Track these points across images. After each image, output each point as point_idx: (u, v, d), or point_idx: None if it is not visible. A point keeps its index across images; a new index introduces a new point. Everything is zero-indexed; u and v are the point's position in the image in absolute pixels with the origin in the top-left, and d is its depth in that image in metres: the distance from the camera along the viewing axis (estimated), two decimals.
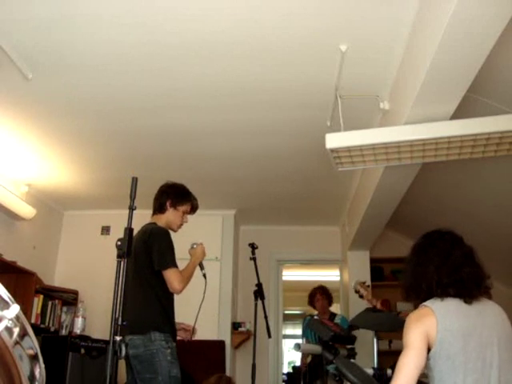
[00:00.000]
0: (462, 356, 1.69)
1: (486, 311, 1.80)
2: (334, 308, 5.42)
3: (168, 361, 2.63)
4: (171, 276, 2.72)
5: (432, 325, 1.72)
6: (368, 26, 2.58)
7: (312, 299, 5.09)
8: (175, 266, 2.76)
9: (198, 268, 3.01)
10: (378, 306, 3.25)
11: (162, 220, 2.97)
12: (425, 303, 1.81)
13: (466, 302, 1.79)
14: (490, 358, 1.69)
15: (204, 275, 3.05)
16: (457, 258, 1.85)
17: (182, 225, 3.05)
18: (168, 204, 2.99)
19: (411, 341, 1.72)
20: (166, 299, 2.80)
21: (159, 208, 3.01)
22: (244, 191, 5.17)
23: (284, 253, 6.08)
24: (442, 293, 1.80)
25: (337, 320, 4.87)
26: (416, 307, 1.86)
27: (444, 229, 1.98)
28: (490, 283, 1.87)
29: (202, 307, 3.17)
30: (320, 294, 5.03)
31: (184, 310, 3.04)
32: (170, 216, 2.99)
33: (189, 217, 3.10)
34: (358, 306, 4.44)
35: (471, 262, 1.86)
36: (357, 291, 3.60)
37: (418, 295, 1.87)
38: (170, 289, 2.74)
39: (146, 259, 2.77)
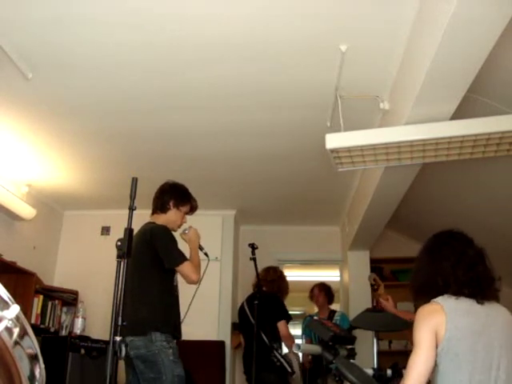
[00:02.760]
0: (470, 355, 1.69)
1: (495, 313, 1.80)
2: (334, 308, 5.42)
3: (171, 360, 2.63)
4: (187, 269, 2.76)
5: (441, 322, 1.72)
6: (368, 26, 2.58)
7: (310, 294, 5.13)
8: (186, 258, 2.80)
9: None
10: (391, 304, 3.18)
11: (162, 219, 2.97)
12: (435, 299, 1.80)
13: (478, 302, 1.78)
14: (498, 360, 1.69)
15: (205, 254, 3.06)
16: (471, 257, 1.86)
17: (181, 225, 3.05)
18: (171, 204, 2.99)
19: (421, 340, 1.72)
20: (168, 298, 2.81)
21: (161, 207, 3.00)
22: (244, 191, 5.17)
23: (284, 253, 6.08)
24: (457, 291, 1.80)
25: (336, 317, 4.87)
26: (417, 308, 1.86)
27: (455, 229, 1.99)
28: (499, 285, 1.87)
29: (201, 308, 3.18)
30: (318, 290, 5.05)
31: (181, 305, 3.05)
32: (171, 216, 2.99)
33: (189, 217, 3.11)
34: (358, 306, 4.45)
35: (484, 262, 1.87)
36: (372, 284, 3.60)
37: (431, 291, 1.86)
38: (187, 282, 2.78)
39: (148, 259, 2.78)
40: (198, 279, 2.79)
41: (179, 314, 2.88)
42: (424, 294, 1.91)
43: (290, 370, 3.71)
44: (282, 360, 3.71)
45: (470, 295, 1.79)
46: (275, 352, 3.74)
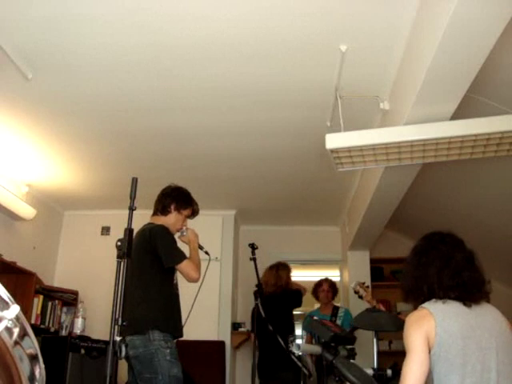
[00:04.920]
0: (461, 358, 1.68)
1: (485, 314, 1.80)
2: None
3: (167, 360, 2.63)
4: (186, 268, 2.78)
5: (431, 327, 1.72)
6: (368, 26, 2.58)
7: (317, 289, 4.98)
8: (185, 257, 2.82)
9: None
10: (379, 307, 3.25)
11: (161, 221, 2.98)
12: (423, 305, 1.81)
13: (465, 304, 1.78)
14: (489, 362, 1.69)
15: (206, 252, 3.08)
16: (458, 262, 1.84)
17: (181, 228, 3.06)
18: (172, 207, 3.01)
19: (414, 345, 1.71)
20: (168, 297, 2.81)
21: (162, 210, 3.02)
22: (244, 191, 5.17)
23: (284, 253, 6.07)
24: (444, 295, 1.80)
25: (340, 313, 4.83)
26: (416, 308, 1.86)
27: (445, 231, 1.97)
28: (489, 288, 1.87)
29: (201, 308, 3.17)
30: (328, 285, 4.94)
31: (182, 305, 3.05)
32: (171, 219, 3.00)
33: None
34: (358, 306, 4.44)
35: (472, 266, 1.86)
36: (356, 292, 3.60)
37: (418, 297, 1.87)
38: (188, 280, 2.80)
39: (149, 259, 2.79)
40: (199, 277, 2.81)
41: (180, 312, 2.89)
42: (412, 299, 1.92)
43: (307, 372, 3.74)
44: (299, 363, 3.74)
45: (456, 298, 1.79)
46: (292, 356, 3.77)
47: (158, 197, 3.08)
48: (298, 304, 4.63)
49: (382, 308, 3.27)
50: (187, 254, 2.93)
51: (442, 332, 1.70)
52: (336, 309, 4.91)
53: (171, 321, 2.79)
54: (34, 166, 4.49)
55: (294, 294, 4.59)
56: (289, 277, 4.65)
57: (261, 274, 3.89)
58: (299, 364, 3.68)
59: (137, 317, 2.66)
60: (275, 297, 4.23)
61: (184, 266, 2.78)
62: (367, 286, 3.62)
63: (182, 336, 2.85)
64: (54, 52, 2.87)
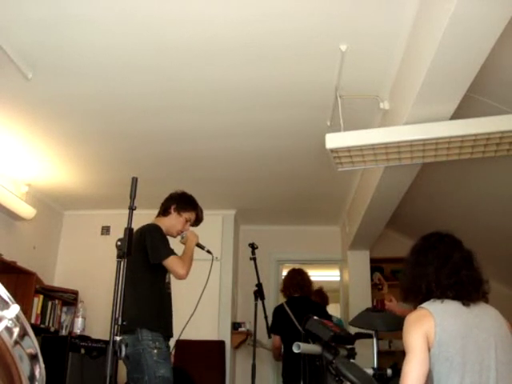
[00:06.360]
0: (460, 358, 1.69)
1: (484, 314, 1.80)
2: (334, 308, 5.41)
3: (154, 361, 2.61)
4: (172, 263, 2.75)
5: (430, 326, 1.72)
6: (368, 25, 2.58)
7: None
8: (173, 253, 2.79)
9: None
10: (394, 303, 3.21)
11: (161, 222, 3.00)
12: (422, 305, 1.82)
13: (464, 304, 1.79)
14: (488, 361, 1.69)
15: (208, 251, 3.10)
16: (456, 261, 1.86)
17: (182, 231, 3.06)
18: (172, 208, 3.04)
19: (413, 345, 1.72)
20: (159, 296, 2.81)
21: (163, 211, 3.07)
22: (244, 191, 5.17)
23: (284, 253, 6.08)
24: (441, 294, 1.81)
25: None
26: (415, 308, 1.86)
27: (443, 231, 1.99)
28: (487, 288, 1.87)
29: (201, 308, 3.17)
30: (314, 297, 4.99)
31: (183, 305, 3.07)
32: (171, 220, 3.02)
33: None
34: (358, 306, 4.44)
35: (470, 266, 1.87)
36: (377, 283, 3.64)
37: (417, 296, 1.88)
38: (175, 277, 2.78)
39: (139, 257, 2.78)
40: (186, 274, 2.77)
41: (171, 312, 2.89)
42: (411, 298, 1.93)
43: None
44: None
45: (454, 298, 1.80)
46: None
47: (163, 201, 3.13)
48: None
49: (394, 301, 3.25)
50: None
51: (442, 332, 1.71)
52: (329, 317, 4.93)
53: (161, 320, 2.78)
54: (33, 166, 4.49)
55: (320, 308, 4.38)
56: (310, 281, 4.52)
57: (261, 273, 3.88)
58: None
59: (128, 315, 2.66)
60: (302, 299, 4.20)
61: (170, 261, 2.75)
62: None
63: (172, 335, 2.85)
64: (53, 52, 2.87)
